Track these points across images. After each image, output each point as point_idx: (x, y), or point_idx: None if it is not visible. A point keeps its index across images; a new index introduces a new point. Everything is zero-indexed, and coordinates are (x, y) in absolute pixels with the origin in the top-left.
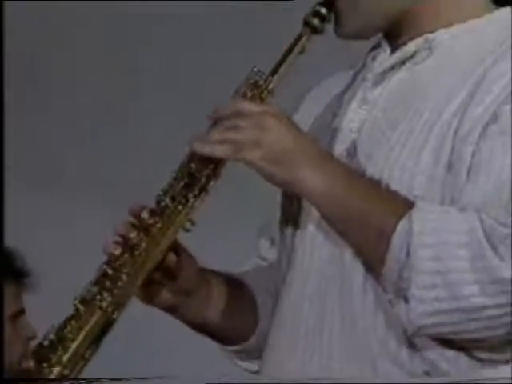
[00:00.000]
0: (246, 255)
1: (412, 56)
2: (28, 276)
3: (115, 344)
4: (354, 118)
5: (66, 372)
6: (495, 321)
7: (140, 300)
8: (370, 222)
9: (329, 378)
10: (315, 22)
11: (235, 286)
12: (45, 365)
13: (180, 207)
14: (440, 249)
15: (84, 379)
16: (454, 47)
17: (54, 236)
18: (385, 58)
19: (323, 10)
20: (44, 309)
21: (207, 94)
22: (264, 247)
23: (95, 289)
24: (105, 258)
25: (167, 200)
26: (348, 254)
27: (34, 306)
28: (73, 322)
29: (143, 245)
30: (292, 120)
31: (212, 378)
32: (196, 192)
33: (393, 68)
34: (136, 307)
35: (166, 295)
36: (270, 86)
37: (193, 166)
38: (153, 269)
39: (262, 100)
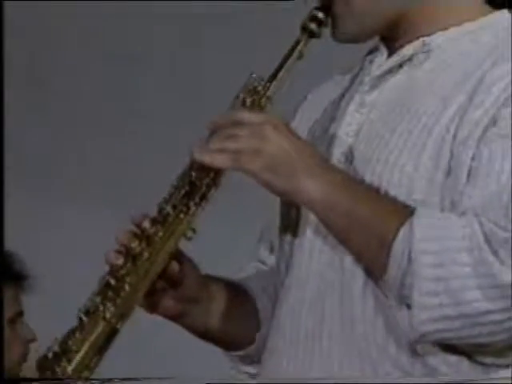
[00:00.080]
0: (244, 261)
1: (409, 59)
2: (27, 279)
3: (118, 344)
4: (351, 121)
5: None
6: (498, 325)
7: (144, 309)
8: (370, 229)
9: (329, 378)
10: (312, 26)
11: (235, 291)
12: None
13: (181, 215)
14: (441, 255)
15: (96, 379)
16: (451, 50)
17: (53, 238)
18: (382, 61)
19: (320, 15)
20: (43, 311)
21: (207, 94)
22: (263, 253)
23: (98, 299)
24: (105, 266)
25: (169, 208)
26: (348, 260)
27: (33, 308)
28: (77, 334)
29: (146, 254)
30: (291, 128)
31: (212, 378)
32: (197, 200)
33: (390, 71)
34: (139, 309)
35: (169, 303)
36: (269, 93)
37: (193, 174)
38: (156, 278)
39: (261, 107)
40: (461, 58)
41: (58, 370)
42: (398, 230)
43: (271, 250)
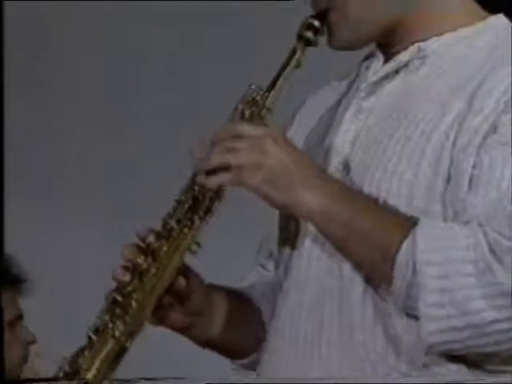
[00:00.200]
0: (245, 272)
1: (405, 65)
2: (25, 282)
3: None
4: (349, 128)
5: None
6: (504, 334)
7: (150, 323)
8: (372, 240)
9: (329, 378)
10: (308, 34)
11: (237, 299)
12: None
13: (186, 230)
14: (446, 266)
15: (117, 380)
16: (447, 56)
17: (53, 240)
18: (378, 67)
19: (316, 23)
20: (42, 314)
21: (207, 94)
22: (263, 260)
23: (107, 317)
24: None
25: (173, 223)
26: (346, 267)
27: (32, 310)
28: (86, 353)
29: (152, 270)
30: (289, 140)
31: (212, 378)
32: (201, 214)
33: (387, 77)
34: None
35: (176, 317)
36: (268, 103)
37: (196, 188)
38: (163, 294)
39: (261, 118)
40: (456, 64)
41: None
42: (401, 242)
43: (270, 255)
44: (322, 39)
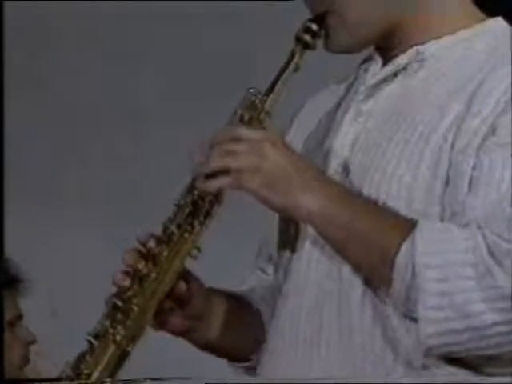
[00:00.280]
0: (244, 274)
1: (404, 68)
2: (24, 283)
3: None
4: (348, 131)
5: None
6: (505, 337)
7: (151, 327)
8: (371, 242)
9: (329, 378)
10: (307, 38)
11: (237, 303)
12: None
13: (186, 235)
14: (445, 269)
15: (122, 380)
16: (445, 59)
17: (53, 241)
18: (377, 70)
19: (314, 26)
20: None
21: (207, 94)
22: (263, 263)
23: (107, 322)
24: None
25: (173, 228)
26: (346, 269)
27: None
28: (87, 357)
29: (153, 275)
30: (287, 144)
31: (217, 378)
32: (201, 218)
33: (385, 80)
34: None
35: (176, 321)
36: (267, 107)
37: (195, 192)
38: (163, 298)
39: (259, 122)
40: (455, 67)
41: None
42: (400, 244)
43: (270, 259)
44: (321, 42)
